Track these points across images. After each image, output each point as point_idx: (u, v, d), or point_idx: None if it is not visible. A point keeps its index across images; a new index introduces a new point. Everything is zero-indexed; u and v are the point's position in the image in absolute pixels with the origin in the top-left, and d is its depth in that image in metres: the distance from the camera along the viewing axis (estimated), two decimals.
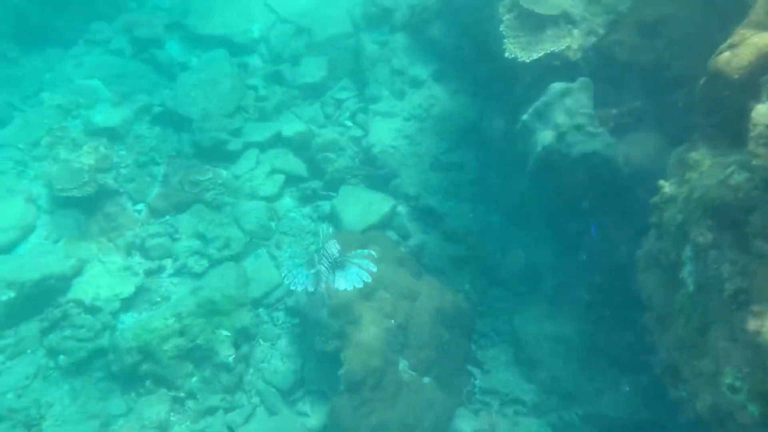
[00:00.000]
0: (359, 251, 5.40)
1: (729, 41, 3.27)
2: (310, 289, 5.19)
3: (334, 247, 5.24)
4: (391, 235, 7.50)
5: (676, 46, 5.33)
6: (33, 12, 9.40)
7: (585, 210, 6.24)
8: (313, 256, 5.31)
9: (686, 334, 3.37)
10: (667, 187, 3.63)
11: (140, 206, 7.85)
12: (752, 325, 2.47)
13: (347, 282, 5.16)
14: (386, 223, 7.58)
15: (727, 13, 4.97)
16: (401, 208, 7.73)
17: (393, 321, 6.16)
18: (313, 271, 5.21)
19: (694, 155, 3.38)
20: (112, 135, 8.43)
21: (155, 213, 7.78)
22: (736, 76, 3.06)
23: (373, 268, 5.18)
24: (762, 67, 2.87)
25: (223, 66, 9.28)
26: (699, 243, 3.00)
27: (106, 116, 8.61)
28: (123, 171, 8.04)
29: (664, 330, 3.69)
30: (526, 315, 6.88)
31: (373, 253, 5.34)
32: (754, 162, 2.34)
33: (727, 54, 3.17)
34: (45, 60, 9.53)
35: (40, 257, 6.87)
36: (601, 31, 5.51)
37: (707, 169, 3.18)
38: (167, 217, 7.74)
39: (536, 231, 7.42)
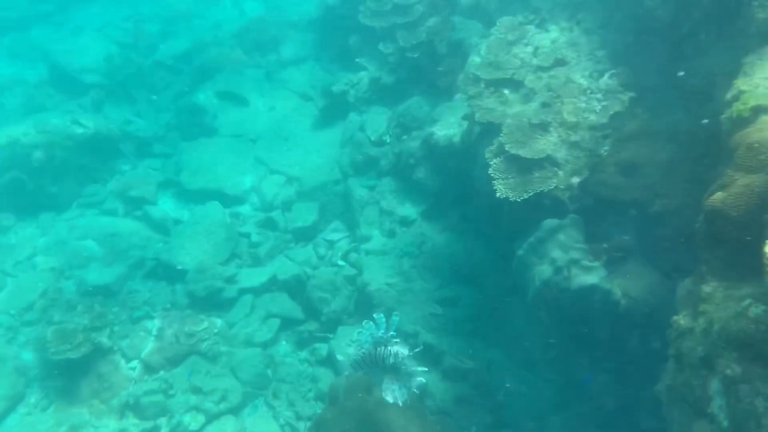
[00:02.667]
0: (409, 353, 4.66)
1: (719, 182, 3.57)
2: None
3: (392, 357, 4.56)
4: None
5: (655, 185, 5.72)
6: (29, 181, 9.67)
7: (586, 343, 6.32)
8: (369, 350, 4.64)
9: None
10: (681, 319, 3.74)
11: (134, 363, 7.68)
12: None
13: (394, 394, 4.55)
14: None
15: (699, 155, 5.44)
16: None
17: None
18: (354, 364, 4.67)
19: (705, 288, 3.53)
20: (106, 292, 8.47)
21: (149, 369, 7.61)
22: (735, 214, 3.31)
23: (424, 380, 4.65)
24: (757, 207, 3.13)
25: (216, 217, 9.55)
26: (728, 376, 3.06)
27: (99, 275, 8.70)
28: (116, 328, 7.94)
29: None
30: None
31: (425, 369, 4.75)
32: None
33: (720, 194, 3.45)
34: (39, 225, 9.70)
35: (30, 428, 6.57)
36: (585, 172, 5.91)
37: (721, 301, 3.32)
38: (162, 373, 7.57)
39: (536, 366, 7.39)
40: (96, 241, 9.32)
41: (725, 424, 3.26)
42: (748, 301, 3.10)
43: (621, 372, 6.35)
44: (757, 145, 3.40)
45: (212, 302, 8.33)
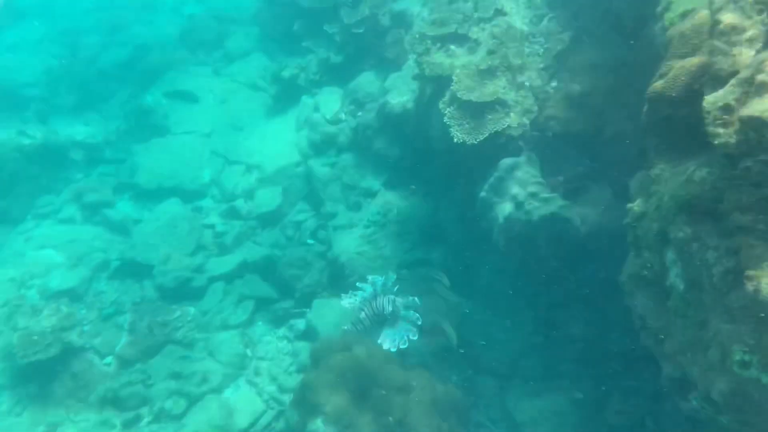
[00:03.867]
0: (404, 301, 5.16)
1: (659, 73, 3.80)
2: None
3: (389, 304, 5.06)
4: None
5: (601, 114, 5.98)
6: None
7: (553, 279, 6.52)
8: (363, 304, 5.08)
9: (687, 334, 3.49)
10: (635, 206, 3.95)
11: (109, 359, 7.56)
12: (749, 286, 2.65)
13: (392, 341, 4.97)
14: None
15: (638, 77, 5.72)
16: None
17: (391, 418, 5.98)
18: (353, 322, 5.03)
19: (655, 171, 3.74)
20: (71, 295, 8.31)
21: (125, 363, 7.49)
22: (674, 94, 3.53)
23: (419, 321, 5.03)
24: (693, 83, 3.35)
25: (178, 211, 9.48)
26: (679, 238, 3.24)
27: (62, 279, 8.54)
28: (86, 328, 7.81)
29: (664, 342, 3.82)
30: (516, 397, 6.86)
31: (416, 299, 5.15)
32: (716, 142, 2.67)
33: (660, 81, 3.67)
34: None
35: None
36: (535, 110, 6.14)
37: (670, 177, 3.53)
38: (138, 365, 7.45)
39: (508, 311, 7.57)
40: (55, 249, 9.12)
41: (681, 287, 3.46)
42: (692, 168, 3.31)
43: (587, 299, 6.59)
44: (688, 31, 3.64)
45: (183, 292, 8.26)
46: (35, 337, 7.16)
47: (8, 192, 9.80)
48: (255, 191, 9.68)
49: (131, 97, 11.46)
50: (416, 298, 5.23)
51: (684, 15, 4.38)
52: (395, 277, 5.29)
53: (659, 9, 4.80)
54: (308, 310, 7.89)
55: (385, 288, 5.20)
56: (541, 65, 6.33)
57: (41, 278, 8.56)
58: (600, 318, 6.40)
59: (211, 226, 9.31)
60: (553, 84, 6.19)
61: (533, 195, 5.95)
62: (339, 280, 8.16)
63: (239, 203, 9.54)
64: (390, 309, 5.09)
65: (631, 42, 5.55)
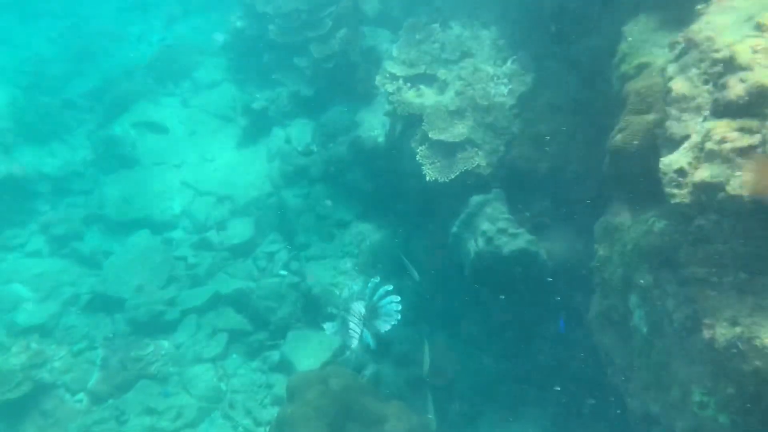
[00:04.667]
0: (379, 291, 5.54)
1: (617, 127, 4.12)
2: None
3: (359, 307, 5.47)
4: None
5: (564, 153, 6.33)
6: None
7: (522, 310, 6.81)
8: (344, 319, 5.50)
9: (650, 373, 3.77)
10: (600, 250, 4.24)
11: (80, 395, 7.49)
12: (706, 334, 2.93)
13: (386, 323, 5.40)
14: (338, 357, 7.68)
15: (597, 118, 6.09)
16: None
17: None
18: (347, 331, 5.43)
19: (617, 219, 4.05)
20: (41, 331, 8.22)
21: (97, 399, 7.44)
22: (633, 149, 3.85)
23: (397, 298, 5.45)
24: (650, 139, 3.67)
25: (149, 243, 9.47)
26: (642, 285, 3.54)
27: (30, 315, 8.46)
28: (57, 364, 7.73)
29: (629, 379, 4.09)
30: (489, 425, 7.08)
31: (390, 286, 5.53)
32: (672, 201, 2.96)
33: (620, 135, 3.99)
34: None
35: None
36: (502, 149, 6.45)
37: (631, 226, 3.83)
38: (111, 401, 7.41)
39: (478, 341, 7.81)
40: (22, 283, 9.01)
41: (644, 330, 3.75)
42: (652, 219, 3.62)
43: (555, 329, 6.88)
44: (643, 90, 3.98)
45: (156, 326, 8.25)
46: (5, 376, 7.05)
47: None
48: (227, 222, 9.76)
49: (99, 128, 11.42)
50: (387, 287, 5.58)
51: (639, 67, 4.76)
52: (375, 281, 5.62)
53: (615, 60, 5.18)
54: (283, 341, 7.98)
55: (361, 293, 5.58)
56: (507, 106, 6.65)
57: (9, 314, 8.43)
58: (566, 347, 6.68)
59: (183, 258, 9.32)
60: (518, 125, 6.52)
61: (502, 230, 6.23)
62: (313, 311, 8.29)
63: (211, 234, 9.59)
64: (363, 310, 5.49)
65: (592, 88, 5.92)
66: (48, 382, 7.40)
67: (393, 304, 5.48)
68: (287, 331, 8.09)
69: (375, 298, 5.54)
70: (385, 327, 5.41)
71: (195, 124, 11.20)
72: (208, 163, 10.58)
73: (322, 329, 7.85)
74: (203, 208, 10.01)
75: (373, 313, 5.48)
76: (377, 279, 5.62)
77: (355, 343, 5.53)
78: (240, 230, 9.54)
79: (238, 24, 11.27)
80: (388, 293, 5.55)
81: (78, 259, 9.50)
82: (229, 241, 9.42)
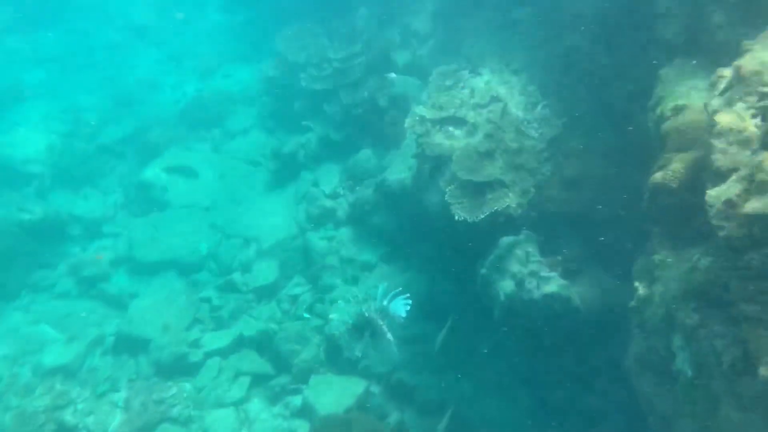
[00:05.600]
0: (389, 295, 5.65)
1: (658, 164, 4.05)
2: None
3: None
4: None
5: (595, 197, 6.25)
6: None
7: (552, 357, 6.59)
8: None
9: (696, 420, 3.57)
10: (640, 290, 4.10)
11: None
12: (763, 372, 2.75)
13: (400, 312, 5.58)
14: (362, 404, 7.47)
15: (628, 162, 6.03)
16: (374, 388, 7.72)
17: None
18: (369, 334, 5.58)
19: (657, 257, 3.92)
20: (65, 372, 8.20)
21: None
22: (674, 185, 3.76)
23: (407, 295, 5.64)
24: (693, 176, 3.59)
25: (175, 285, 9.50)
26: (687, 325, 3.38)
27: (56, 356, 8.45)
28: (80, 406, 7.66)
29: (673, 427, 3.87)
30: None
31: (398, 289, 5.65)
32: (720, 234, 2.86)
33: (660, 173, 3.92)
34: None
35: None
36: (532, 191, 6.40)
37: (673, 264, 3.70)
38: None
39: (504, 389, 7.56)
40: (50, 324, 9.07)
41: (689, 373, 3.56)
42: (696, 256, 3.50)
43: (585, 380, 6.62)
44: (683, 127, 3.93)
45: (179, 368, 8.17)
46: (29, 417, 6.99)
47: (5, 267, 9.76)
48: (252, 264, 9.74)
49: (131, 172, 11.67)
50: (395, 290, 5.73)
51: (676, 110, 4.72)
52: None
53: (651, 102, 5.15)
54: (305, 386, 7.82)
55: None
56: (537, 149, 6.63)
57: (35, 355, 8.45)
58: (601, 400, 6.42)
59: (208, 300, 9.30)
60: (549, 167, 6.48)
61: (533, 273, 6.12)
62: (337, 355, 8.14)
63: (236, 276, 9.57)
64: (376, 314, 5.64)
65: (629, 128, 5.89)
66: (71, 424, 7.32)
67: (402, 300, 5.61)
68: (310, 375, 7.94)
69: (385, 301, 5.66)
70: (400, 314, 5.52)
71: (225, 169, 11.36)
72: (237, 205, 10.66)
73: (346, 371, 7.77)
74: (230, 250, 10.02)
75: (384, 314, 5.59)
76: (385, 284, 5.76)
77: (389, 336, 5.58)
78: (265, 272, 9.51)
79: (270, 73, 11.58)
80: (397, 295, 5.66)
81: (105, 300, 9.55)
82: (254, 283, 9.38)
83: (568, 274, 6.29)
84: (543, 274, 6.14)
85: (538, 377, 7.03)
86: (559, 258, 6.35)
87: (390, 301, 5.66)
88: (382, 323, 5.60)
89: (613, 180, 6.31)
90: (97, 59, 15.06)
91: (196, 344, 8.47)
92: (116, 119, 13.29)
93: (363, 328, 5.89)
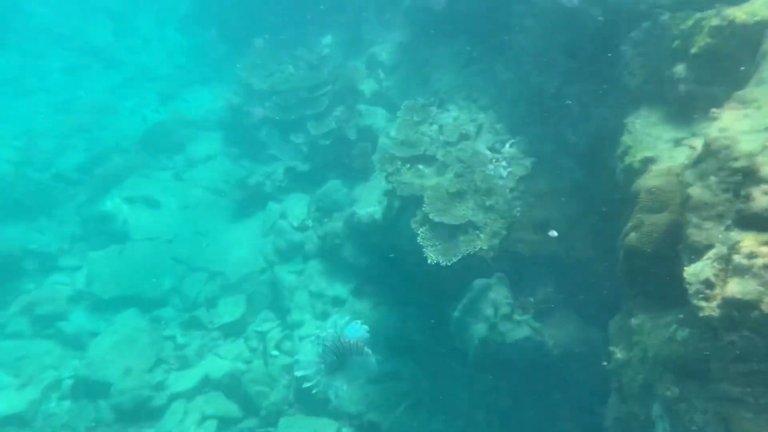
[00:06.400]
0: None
1: (630, 224, 4.07)
2: None
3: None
4: None
5: (566, 238, 6.28)
6: None
7: (527, 399, 6.57)
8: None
9: None
10: (618, 353, 4.10)
11: None
12: None
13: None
14: None
15: (598, 203, 6.09)
16: (345, 430, 7.57)
17: None
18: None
19: (634, 321, 3.93)
20: (18, 422, 7.79)
21: None
22: (649, 250, 3.78)
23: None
24: (666, 240, 3.62)
25: (137, 322, 9.19)
26: (667, 397, 3.38)
27: (8, 403, 8.03)
28: None
29: None
30: None
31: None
32: (700, 314, 2.86)
33: (633, 234, 3.94)
34: None
35: None
36: (504, 232, 6.39)
37: (651, 330, 3.71)
38: None
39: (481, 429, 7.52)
40: (2, 368, 8.62)
41: None
42: (674, 327, 3.51)
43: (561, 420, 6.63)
44: (654, 189, 3.96)
45: (141, 413, 7.87)
46: None
47: None
48: (218, 299, 9.51)
49: (89, 202, 11.27)
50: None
51: (644, 161, 4.77)
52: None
53: (619, 151, 5.20)
54: (274, 429, 7.62)
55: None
56: (507, 189, 6.64)
57: None
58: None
59: (172, 338, 9.02)
60: (518, 208, 6.49)
61: (506, 317, 6.11)
62: (306, 395, 7.96)
63: (201, 312, 9.32)
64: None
65: (592, 173, 5.94)
66: None
67: (357, 325, 5.57)
68: (279, 418, 7.74)
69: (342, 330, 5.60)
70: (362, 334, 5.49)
71: (188, 199, 11.10)
72: (201, 238, 10.41)
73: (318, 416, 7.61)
74: (194, 284, 9.76)
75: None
76: (346, 317, 5.69)
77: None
78: (231, 308, 9.28)
79: (234, 100, 11.39)
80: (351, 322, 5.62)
81: (62, 340, 9.14)
82: (220, 319, 9.15)
83: (541, 316, 6.30)
84: (516, 317, 6.13)
85: (514, 419, 7.00)
86: (532, 300, 6.35)
87: (345, 327, 5.61)
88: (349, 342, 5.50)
89: (583, 220, 6.36)
90: (52, 82, 14.61)
91: (160, 386, 8.17)
92: (72, 146, 12.86)
93: (331, 354, 5.76)
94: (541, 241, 6.31)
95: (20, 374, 8.42)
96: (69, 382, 8.36)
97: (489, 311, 6.16)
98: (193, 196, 11.10)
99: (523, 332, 6.04)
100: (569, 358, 6.01)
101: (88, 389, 8.21)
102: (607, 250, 5.16)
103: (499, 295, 6.22)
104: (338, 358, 5.64)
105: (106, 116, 13.84)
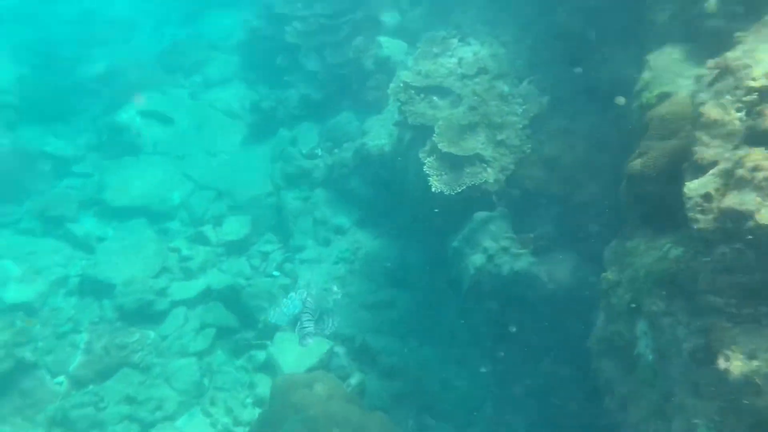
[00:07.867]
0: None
1: (637, 151, 4.09)
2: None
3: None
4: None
5: (574, 177, 6.30)
6: None
7: (517, 332, 6.72)
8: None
9: (652, 404, 3.71)
10: (609, 275, 4.19)
11: (60, 378, 7.35)
12: (721, 366, 2.86)
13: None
14: (325, 364, 7.56)
15: (609, 146, 6.08)
16: (338, 349, 7.80)
17: None
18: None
19: (630, 243, 4.00)
20: (27, 310, 8.09)
21: (78, 383, 7.32)
22: (653, 173, 3.81)
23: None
24: (672, 165, 3.64)
25: (144, 232, 9.38)
26: (652, 311, 3.47)
27: (18, 293, 8.31)
28: (40, 344, 7.59)
29: (628, 408, 4.01)
30: None
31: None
32: (696, 227, 2.91)
33: (639, 160, 3.96)
34: None
35: None
36: (512, 168, 6.42)
37: (644, 251, 3.78)
38: (91, 386, 7.28)
39: (468, 360, 7.72)
40: (12, 260, 8.87)
41: (651, 358, 3.68)
42: (668, 246, 3.57)
43: (548, 355, 6.79)
44: (668, 116, 3.96)
45: (143, 315, 8.13)
46: None
47: None
48: (224, 218, 9.66)
49: (105, 113, 11.36)
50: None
51: (661, 96, 4.73)
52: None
53: (637, 88, 5.16)
54: (270, 342, 7.86)
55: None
56: (520, 125, 6.64)
57: None
58: (558, 376, 6.59)
59: (177, 250, 9.21)
60: (530, 145, 6.50)
61: (504, 249, 6.19)
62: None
63: (207, 229, 9.48)
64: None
65: (606, 115, 5.91)
66: (30, 361, 7.25)
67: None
68: (275, 332, 7.96)
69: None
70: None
71: (202, 118, 11.15)
72: (211, 157, 10.51)
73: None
74: (202, 201, 9.92)
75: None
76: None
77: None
78: (236, 227, 9.44)
79: (254, 23, 11.29)
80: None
81: (71, 241, 9.38)
82: (225, 237, 9.32)
83: (539, 252, 6.38)
84: (513, 250, 6.21)
85: (502, 351, 7.18)
86: (531, 236, 6.42)
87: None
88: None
89: (593, 163, 6.36)
90: None
91: (162, 293, 8.41)
92: (92, 57, 12.86)
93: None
94: (548, 179, 6.33)
95: (29, 268, 8.66)
96: (76, 279, 8.63)
97: (487, 243, 6.24)
98: (207, 116, 11.14)
99: (519, 265, 6.12)
100: (563, 294, 6.10)
101: (94, 288, 8.48)
102: (614, 194, 5.19)
103: (499, 228, 6.29)
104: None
105: (127, 31, 13.79)
